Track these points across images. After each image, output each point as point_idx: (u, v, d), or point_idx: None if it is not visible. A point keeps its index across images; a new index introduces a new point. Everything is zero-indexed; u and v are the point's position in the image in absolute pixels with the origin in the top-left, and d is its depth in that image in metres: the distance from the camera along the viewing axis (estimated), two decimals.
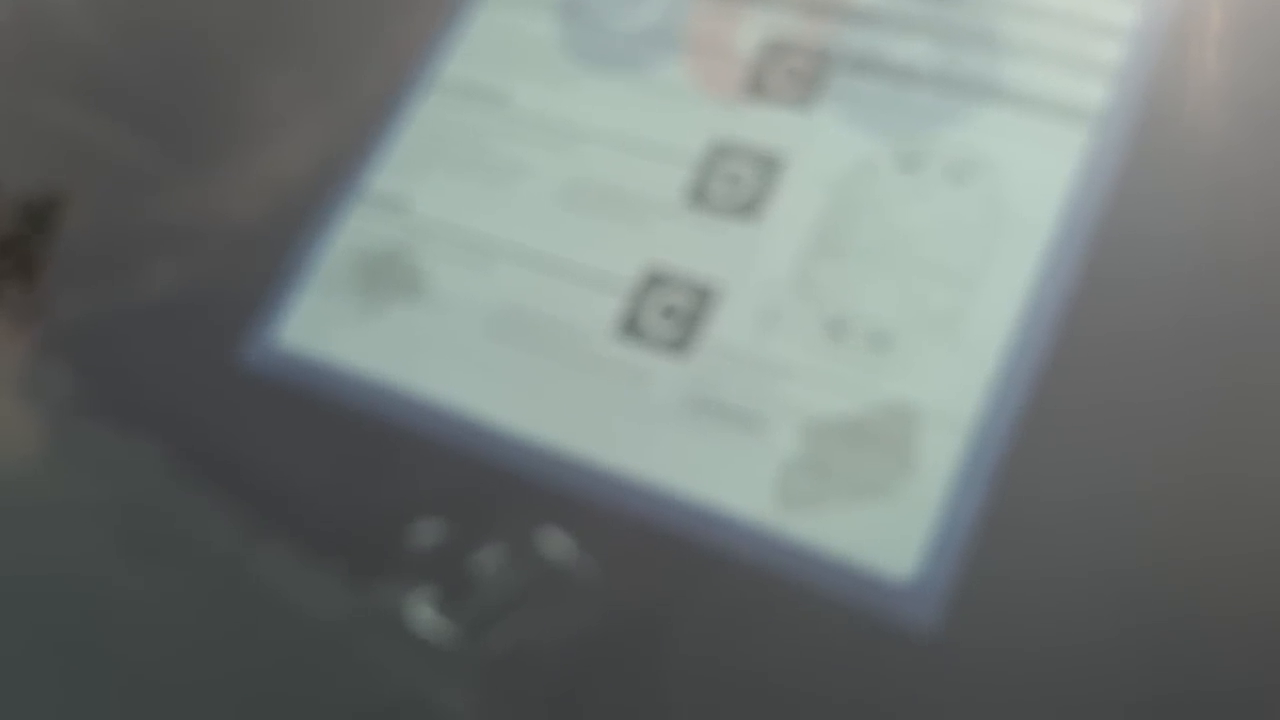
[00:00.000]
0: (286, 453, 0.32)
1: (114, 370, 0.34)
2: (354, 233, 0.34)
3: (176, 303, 0.35)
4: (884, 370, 0.29)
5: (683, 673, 0.27)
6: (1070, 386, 0.28)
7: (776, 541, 0.28)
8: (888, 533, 0.27)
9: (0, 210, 0.38)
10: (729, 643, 0.27)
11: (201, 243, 0.36)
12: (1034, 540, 0.27)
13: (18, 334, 0.35)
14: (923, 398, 0.28)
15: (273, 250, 0.35)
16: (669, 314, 0.31)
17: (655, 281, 0.32)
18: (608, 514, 0.29)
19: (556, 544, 0.29)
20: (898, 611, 0.26)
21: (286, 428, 0.33)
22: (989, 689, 0.26)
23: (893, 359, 0.29)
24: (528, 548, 0.29)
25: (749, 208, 0.32)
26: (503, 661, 0.28)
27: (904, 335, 0.29)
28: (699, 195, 0.32)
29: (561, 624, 0.28)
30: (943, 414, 0.28)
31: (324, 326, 0.33)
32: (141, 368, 0.34)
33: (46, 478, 0.33)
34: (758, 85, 0.33)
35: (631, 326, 0.31)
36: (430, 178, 0.35)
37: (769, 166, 0.32)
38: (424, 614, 0.29)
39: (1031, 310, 0.29)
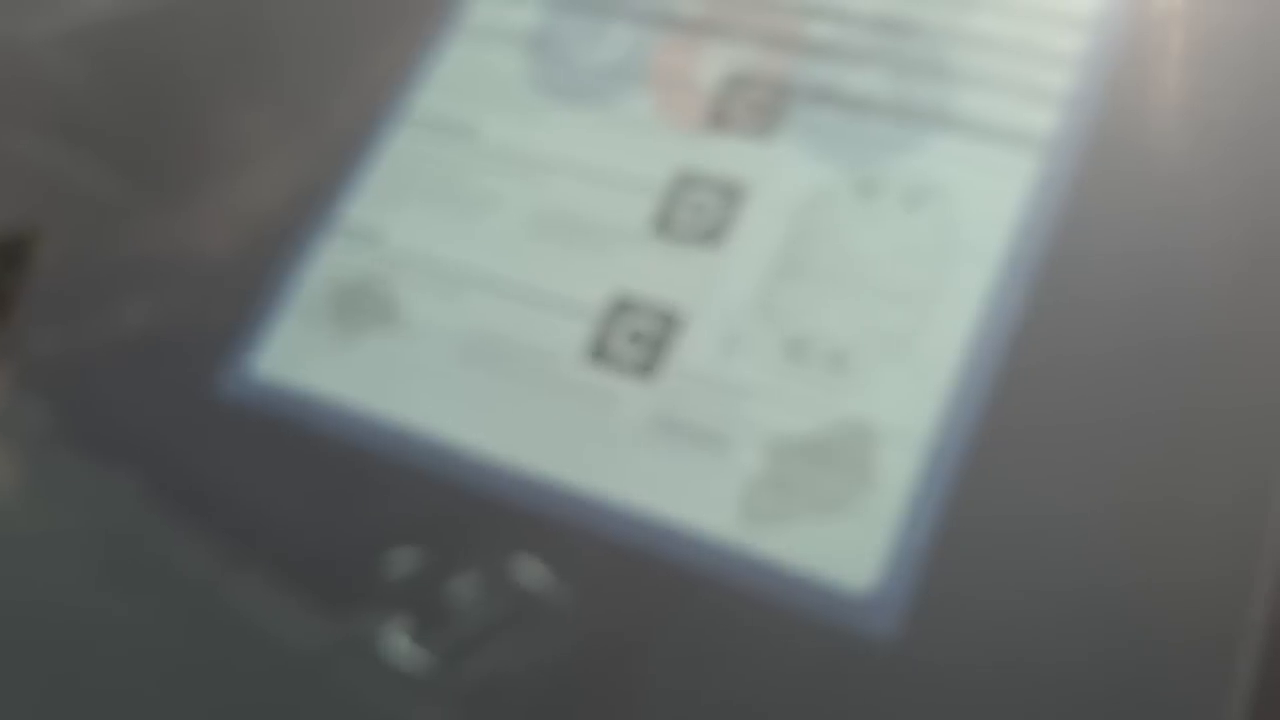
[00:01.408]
0: (263, 482, 0.32)
1: (91, 404, 0.35)
2: (328, 264, 0.35)
3: (152, 336, 0.35)
4: (842, 390, 0.30)
5: (655, 690, 0.28)
6: (1022, 404, 0.29)
7: (741, 557, 0.28)
8: (848, 546, 0.28)
9: None
10: (696, 659, 0.28)
11: (177, 276, 0.36)
12: (990, 552, 0.27)
13: None
14: (880, 415, 0.29)
15: (248, 282, 0.35)
16: (636, 339, 0.32)
17: (622, 308, 0.32)
18: (578, 536, 0.29)
19: (530, 570, 0.29)
20: (858, 622, 0.27)
21: (263, 457, 0.33)
22: (948, 695, 0.26)
23: (850, 379, 0.30)
24: (502, 574, 0.29)
25: (712, 235, 0.33)
26: (479, 690, 0.28)
27: (861, 356, 0.30)
28: (664, 224, 0.33)
29: (537, 650, 0.28)
30: (899, 431, 0.29)
31: (299, 356, 0.34)
32: (118, 400, 0.34)
33: (23, 509, 0.33)
34: (720, 117, 0.34)
35: (600, 351, 0.32)
36: (403, 209, 0.35)
37: (731, 195, 0.33)
38: (400, 643, 0.29)
39: (984, 331, 0.30)
